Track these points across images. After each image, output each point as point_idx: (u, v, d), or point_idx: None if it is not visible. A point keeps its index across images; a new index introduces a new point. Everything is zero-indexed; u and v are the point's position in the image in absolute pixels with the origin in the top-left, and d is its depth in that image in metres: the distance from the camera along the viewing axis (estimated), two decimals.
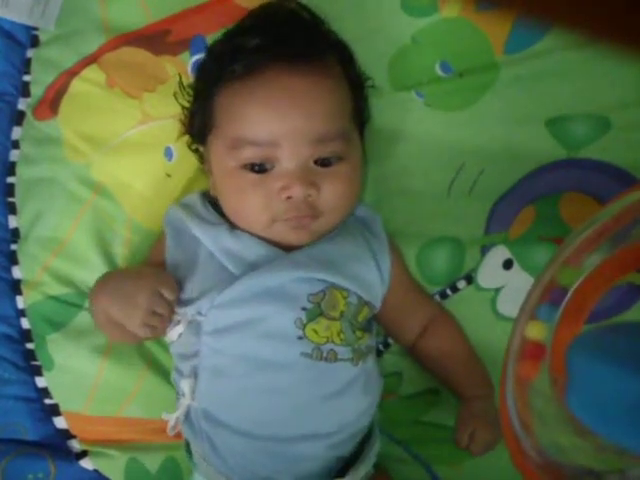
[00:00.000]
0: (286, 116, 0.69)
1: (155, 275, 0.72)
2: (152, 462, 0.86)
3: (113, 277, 0.75)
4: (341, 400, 0.71)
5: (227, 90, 0.73)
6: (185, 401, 0.72)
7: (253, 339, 0.70)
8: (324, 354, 0.70)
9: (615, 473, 0.50)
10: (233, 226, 0.75)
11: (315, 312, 0.70)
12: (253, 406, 0.70)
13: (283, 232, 0.72)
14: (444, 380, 0.81)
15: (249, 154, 0.70)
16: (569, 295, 0.57)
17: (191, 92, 0.82)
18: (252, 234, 0.73)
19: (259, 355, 0.70)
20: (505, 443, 0.57)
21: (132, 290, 0.69)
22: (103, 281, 0.75)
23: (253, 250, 0.73)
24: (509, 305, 0.79)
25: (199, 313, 0.72)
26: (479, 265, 0.81)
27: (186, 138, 0.83)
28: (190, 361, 0.73)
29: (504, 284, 0.80)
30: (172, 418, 0.74)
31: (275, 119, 0.69)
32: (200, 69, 0.81)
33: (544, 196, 0.80)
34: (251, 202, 0.71)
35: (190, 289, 0.73)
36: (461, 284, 0.82)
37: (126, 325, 0.70)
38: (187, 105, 0.82)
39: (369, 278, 0.75)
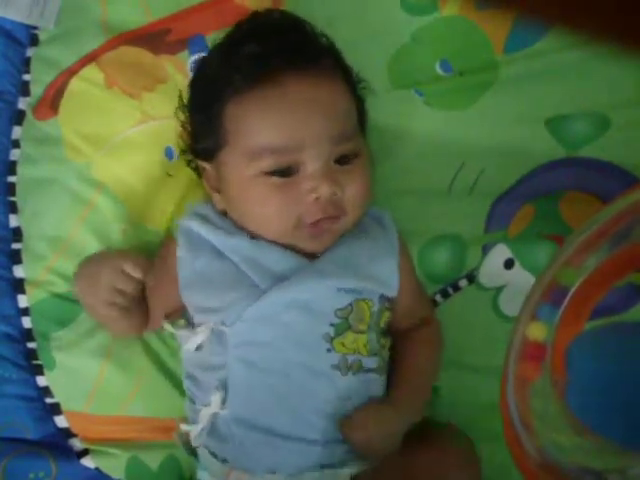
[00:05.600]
0: (306, 119, 0.69)
1: (118, 253, 0.75)
2: (153, 460, 0.86)
3: (83, 262, 0.78)
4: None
5: (237, 103, 0.71)
6: (210, 410, 0.72)
7: (283, 352, 0.70)
8: (349, 363, 0.71)
9: (615, 472, 0.50)
10: (252, 236, 0.74)
11: (343, 326, 0.71)
12: (290, 410, 0.70)
13: (304, 240, 0.72)
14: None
15: (272, 162, 0.69)
16: (570, 295, 0.57)
17: (189, 107, 0.80)
18: (272, 242, 0.73)
19: (291, 367, 0.70)
20: (506, 443, 0.57)
21: (95, 270, 0.73)
22: (78, 268, 0.77)
23: (277, 261, 0.72)
24: (510, 304, 0.79)
25: (223, 323, 0.72)
26: (480, 264, 0.81)
27: (185, 154, 0.82)
28: (216, 373, 0.72)
29: (505, 283, 0.80)
30: (197, 429, 0.73)
31: (296, 124, 0.69)
32: (196, 83, 0.79)
33: (543, 194, 0.81)
34: (276, 207, 0.70)
35: (211, 299, 0.73)
36: (462, 283, 0.82)
37: (94, 306, 0.74)
38: (186, 120, 0.81)
39: (389, 272, 0.76)
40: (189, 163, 0.82)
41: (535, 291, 0.60)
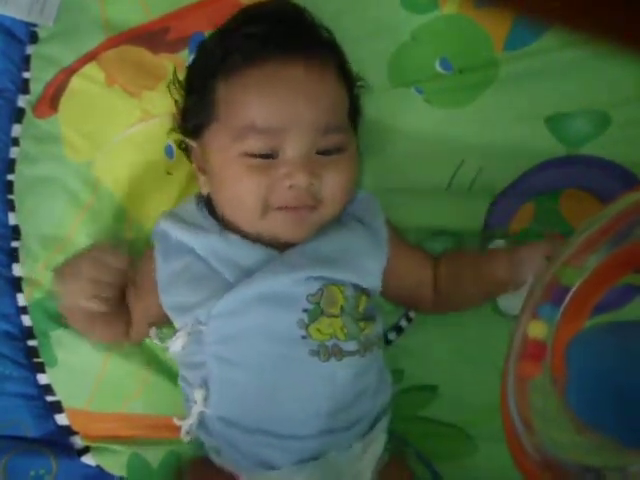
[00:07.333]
0: (293, 105, 0.69)
1: (97, 246, 0.73)
2: (154, 457, 0.87)
3: (59, 266, 0.74)
4: (357, 394, 0.72)
5: (228, 81, 0.71)
6: (197, 408, 0.72)
7: (258, 345, 0.70)
8: (329, 349, 0.70)
9: (615, 470, 0.50)
10: (225, 228, 0.74)
11: (316, 312, 0.70)
12: (269, 408, 0.70)
13: (279, 226, 0.71)
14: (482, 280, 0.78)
15: (254, 143, 0.69)
16: (570, 295, 0.57)
17: (184, 87, 0.80)
18: (244, 237, 0.72)
19: (267, 360, 0.70)
20: (506, 441, 0.57)
21: (75, 265, 0.71)
22: (56, 271, 0.74)
23: (246, 254, 0.72)
24: (509, 302, 0.79)
25: (199, 322, 0.71)
26: None
27: (178, 137, 0.82)
28: (198, 371, 0.72)
29: None
30: (186, 424, 0.74)
31: (282, 107, 0.69)
32: (193, 64, 0.80)
33: (544, 193, 0.81)
34: (249, 186, 0.70)
35: (186, 297, 0.73)
36: None
37: (78, 304, 0.71)
38: (180, 100, 0.81)
39: (365, 263, 0.75)
40: (180, 145, 0.82)
41: (536, 289, 0.60)
